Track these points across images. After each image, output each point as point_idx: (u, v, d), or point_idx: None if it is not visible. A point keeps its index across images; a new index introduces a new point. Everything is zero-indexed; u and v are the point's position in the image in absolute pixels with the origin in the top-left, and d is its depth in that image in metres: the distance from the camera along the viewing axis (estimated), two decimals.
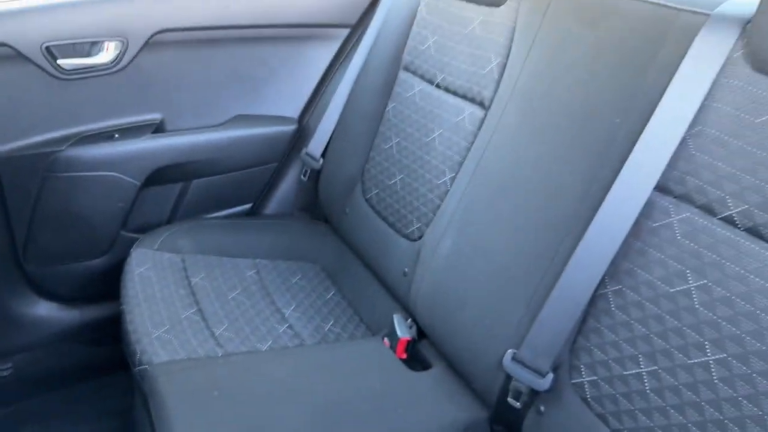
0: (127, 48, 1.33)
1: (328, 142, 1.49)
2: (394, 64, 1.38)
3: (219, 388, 0.97)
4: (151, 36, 1.34)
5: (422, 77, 1.30)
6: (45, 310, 1.47)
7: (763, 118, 0.73)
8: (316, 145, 1.51)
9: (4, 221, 1.34)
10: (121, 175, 1.38)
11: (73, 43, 1.29)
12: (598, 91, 0.92)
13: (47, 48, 1.24)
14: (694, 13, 0.83)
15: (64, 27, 1.26)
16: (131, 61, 1.34)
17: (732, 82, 0.77)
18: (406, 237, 1.25)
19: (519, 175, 1.02)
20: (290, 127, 1.57)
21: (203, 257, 1.34)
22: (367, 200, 1.39)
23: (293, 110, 1.59)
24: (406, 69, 1.35)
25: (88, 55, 1.33)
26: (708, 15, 0.81)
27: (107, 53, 1.33)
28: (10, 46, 1.19)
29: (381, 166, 1.36)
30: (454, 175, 1.17)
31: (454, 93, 1.22)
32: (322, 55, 1.57)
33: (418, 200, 1.25)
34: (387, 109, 1.38)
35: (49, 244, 1.40)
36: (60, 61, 1.27)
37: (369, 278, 1.37)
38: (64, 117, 1.32)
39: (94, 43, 1.32)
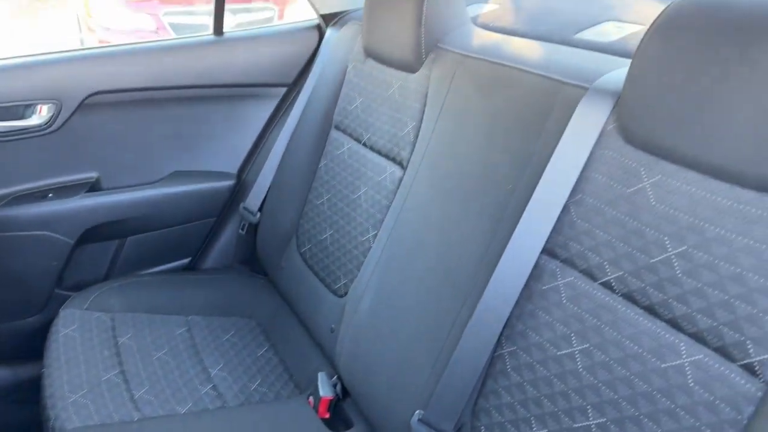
0: (60, 110, 1.35)
1: (265, 197, 1.52)
2: (327, 122, 1.42)
3: None
4: (85, 98, 1.37)
5: (351, 136, 1.34)
6: None
7: (634, 189, 0.77)
8: (253, 199, 1.53)
9: None
10: (54, 234, 1.39)
11: (6, 106, 1.31)
12: (495, 158, 0.96)
13: None
14: (575, 86, 0.88)
15: None
16: (65, 122, 1.37)
17: (607, 153, 0.81)
18: (335, 293, 1.27)
19: (428, 236, 1.05)
20: (229, 182, 1.59)
21: (133, 315, 1.34)
22: (301, 254, 1.40)
23: (232, 165, 1.61)
24: (337, 128, 1.39)
25: (22, 117, 1.35)
26: (587, 88, 0.86)
27: (40, 115, 1.35)
28: None
29: (313, 222, 1.39)
30: (376, 232, 1.20)
31: (378, 152, 1.25)
32: (260, 112, 1.60)
33: (345, 256, 1.27)
34: (320, 165, 1.41)
35: None
36: None
37: (302, 334, 1.37)
38: None
39: (26, 105, 1.35)
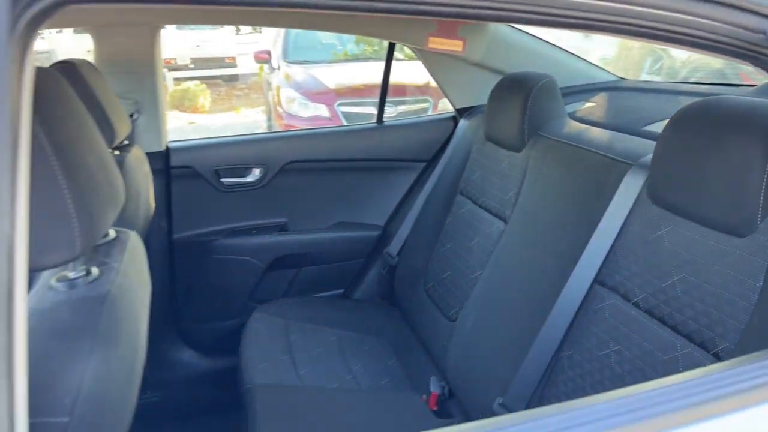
0: (267, 172, 1.92)
1: (403, 245, 1.95)
2: (454, 188, 1.84)
3: (293, 406, 1.39)
4: (284, 165, 1.93)
5: (470, 199, 1.74)
6: (189, 356, 2.00)
7: (655, 235, 1.08)
8: (394, 246, 1.97)
9: (171, 288, 1.92)
10: (253, 260, 1.93)
11: (233, 168, 1.90)
12: (567, 215, 1.30)
13: (215, 170, 1.86)
14: (624, 163, 1.21)
15: (228, 157, 1.88)
16: (269, 181, 1.93)
17: (640, 210, 1.13)
18: (448, 318, 1.64)
19: (516, 271, 1.40)
20: (377, 232, 2.06)
21: (301, 323, 1.81)
22: (426, 290, 1.80)
23: (381, 219, 2.08)
24: (461, 193, 1.80)
25: (242, 176, 1.94)
26: (631, 164, 1.19)
27: (254, 175, 1.93)
28: (191, 168, 1.83)
29: (438, 264, 1.78)
30: (482, 271, 1.56)
31: (489, 211, 1.63)
32: (405, 180, 2.08)
33: (458, 290, 1.64)
34: (446, 221, 1.82)
35: (198, 306, 1.96)
36: (222, 179, 1.89)
37: (421, 352, 1.75)
38: (220, 217, 1.92)
39: (245, 168, 1.94)
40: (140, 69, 1.73)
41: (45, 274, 0.74)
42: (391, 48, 1.97)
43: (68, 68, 1.21)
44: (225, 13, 1.69)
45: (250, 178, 1.94)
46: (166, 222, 1.87)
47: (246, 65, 10.41)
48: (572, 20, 0.57)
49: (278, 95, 5.36)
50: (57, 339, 0.63)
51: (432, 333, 1.69)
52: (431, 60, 1.94)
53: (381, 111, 2.03)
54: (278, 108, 5.33)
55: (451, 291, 1.67)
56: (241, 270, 1.94)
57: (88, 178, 0.67)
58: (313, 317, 1.85)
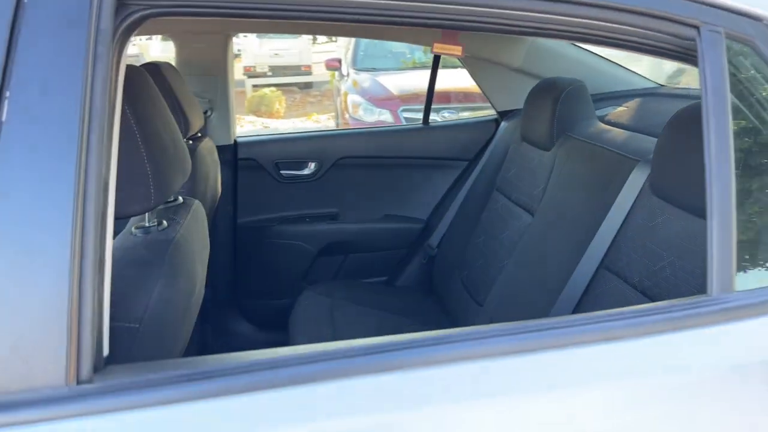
0: (322, 166, 2.13)
1: (443, 238, 2.10)
2: (491, 185, 1.97)
3: None
4: (337, 160, 2.13)
5: (504, 195, 1.87)
6: (246, 329, 2.22)
7: (653, 223, 1.19)
8: (434, 238, 2.12)
9: (233, 268, 2.16)
10: (306, 245, 2.14)
11: (291, 161, 2.12)
12: (584, 206, 1.42)
13: (276, 163, 2.08)
14: (633, 159, 1.32)
15: (287, 152, 2.10)
16: (323, 174, 2.14)
17: (642, 201, 1.24)
18: (477, 303, 1.77)
19: (537, 259, 1.52)
20: (419, 225, 2.22)
21: (346, 303, 1.99)
22: (460, 279, 1.94)
23: (423, 213, 2.24)
24: (497, 189, 1.93)
25: (299, 169, 2.16)
26: (638, 160, 1.30)
27: (309, 168, 2.14)
28: (255, 160, 2.06)
29: (472, 255, 1.92)
30: (508, 260, 1.69)
31: (519, 205, 1.76)
32: (447, 177, 2.23)
33: (487, 277, 1.77)
34: (482, 215, 1.95)
35: (256, 284, 2.19)
36: (282, 171, 2.10)
37: None
38: (278, 205, 2.14)
39: (302, 162, 2.15)
40: (214, 72, 1.98)
41: (127, 224, 0.96)
42: (437, 56, 2.13)
43: (153, 68, 1.44)
44: (288, 24, 1.91)
45: (306, 171, 2.15)
46: (232, 207, 2.11)
47: (321, 73, 10.77)
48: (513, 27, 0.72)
49: (345, 101, 5.62)
50: (133, 267, 0.83)
51: (463, 317, 1.83)
52: (474, 66, 2.09)
53: (427, 113, 2.19)
54: (345, 113, 5.59)
55: (481, 278, 1.81)
56: (295, 254, 2.14)
57: (162, 149, 0.87)
58: (357, 299, 2.03)
